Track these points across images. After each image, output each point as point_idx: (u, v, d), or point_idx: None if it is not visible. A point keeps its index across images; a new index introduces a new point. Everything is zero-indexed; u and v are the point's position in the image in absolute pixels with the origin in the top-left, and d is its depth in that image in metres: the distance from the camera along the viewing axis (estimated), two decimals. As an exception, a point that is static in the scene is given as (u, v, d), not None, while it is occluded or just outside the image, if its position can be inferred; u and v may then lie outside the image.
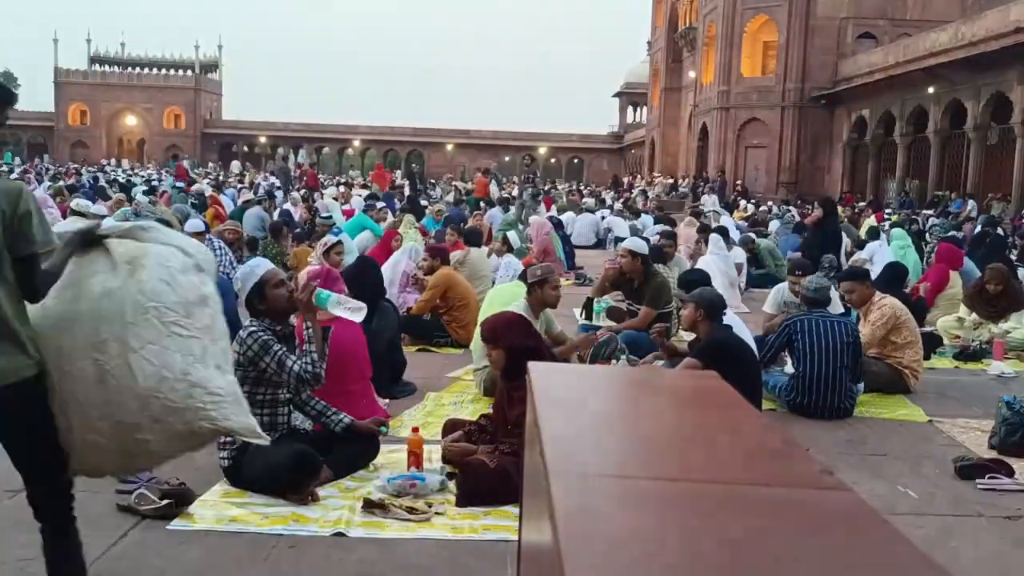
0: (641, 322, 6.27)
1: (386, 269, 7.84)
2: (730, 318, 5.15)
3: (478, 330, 5.68)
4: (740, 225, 16.04)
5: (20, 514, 3.33)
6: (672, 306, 6.53)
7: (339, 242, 7.38)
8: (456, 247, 8.49)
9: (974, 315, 7.56)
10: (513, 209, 17.08)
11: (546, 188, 31.69)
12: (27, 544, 3.07)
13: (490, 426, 3.99)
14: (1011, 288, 7.61)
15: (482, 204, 18.31)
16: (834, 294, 6.18)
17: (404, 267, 7.76)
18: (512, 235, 9.76)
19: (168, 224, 9.31)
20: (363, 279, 5.32)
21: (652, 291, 6.46)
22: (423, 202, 19.76)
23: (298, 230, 12.24)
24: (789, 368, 5.45)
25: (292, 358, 3.61)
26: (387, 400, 4.85)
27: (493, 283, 7.93)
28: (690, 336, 5.36)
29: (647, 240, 10.04)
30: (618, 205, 23.00)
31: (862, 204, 22.59)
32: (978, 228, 13.93)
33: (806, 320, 5.25)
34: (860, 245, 11.46)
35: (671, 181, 35.41)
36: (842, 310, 6.31)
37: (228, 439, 3.59)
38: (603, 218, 17.73)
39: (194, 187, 20.78)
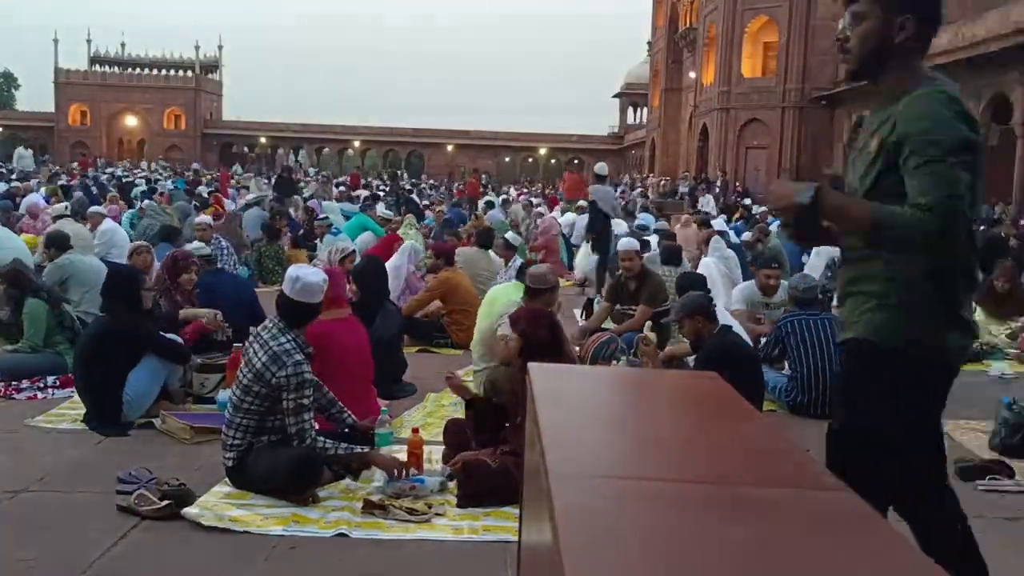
0: (639, 321, 6.36)
1: (388, 272, 7.84)
2: (725, 317, 5.16)
3: (477, 332, 5.67)
4: (738, 227, 16.00)
5: (20, 514, 3.33)
6: (668, 305, 6.58)
7: (354, 251, 7.34)
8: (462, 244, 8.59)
9: (981, 315, 7.55)
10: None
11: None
12: (27, 544, 3.07)
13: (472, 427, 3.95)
14: (1018, 288, 7.60)
15: (480, 205, 18.32)
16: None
17: (405, 272, 7.75)
18: (511, 235, 9.76)
19: (172, 225, 9.41)
20: (368, 278, 5.33)
21: (649, 290, 6.61)
22: (425, 202, 19.76)
23: (300, 231, 12.25)
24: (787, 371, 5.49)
25: (311, 414, 3.58)
26: (388, 401, 4.85)
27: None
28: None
29: (647, 241, 10.05)
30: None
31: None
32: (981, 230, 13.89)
33: (795, 321, 5.33)
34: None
35: (667, 180, 35.28)
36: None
37: (234, 440, 3.59)
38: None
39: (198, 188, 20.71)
